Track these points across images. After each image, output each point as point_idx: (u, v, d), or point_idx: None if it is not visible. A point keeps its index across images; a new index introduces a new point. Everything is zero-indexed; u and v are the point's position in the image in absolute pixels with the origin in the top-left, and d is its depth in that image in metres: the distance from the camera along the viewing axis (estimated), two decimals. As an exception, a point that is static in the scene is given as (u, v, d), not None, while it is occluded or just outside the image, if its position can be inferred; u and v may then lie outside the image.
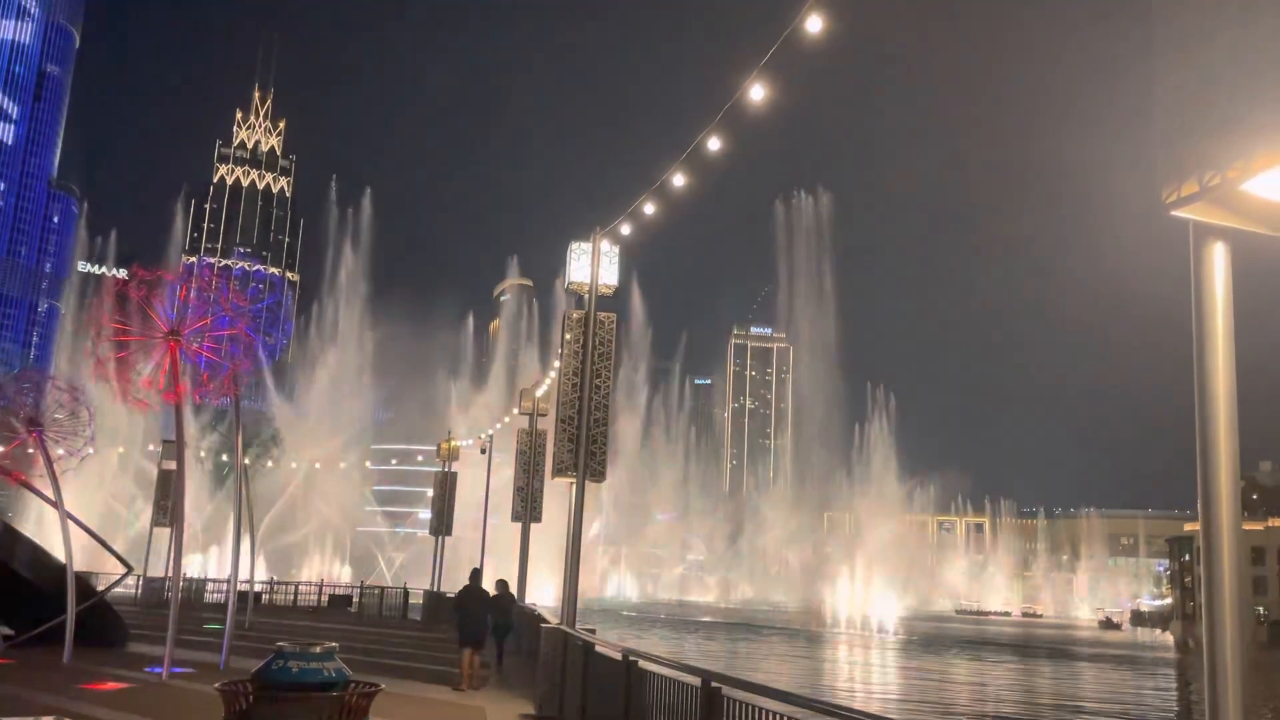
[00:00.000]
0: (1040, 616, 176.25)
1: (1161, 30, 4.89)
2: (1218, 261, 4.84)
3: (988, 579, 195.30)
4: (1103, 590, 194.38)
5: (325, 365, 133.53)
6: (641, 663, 11.38)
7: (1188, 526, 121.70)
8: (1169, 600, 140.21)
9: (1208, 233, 4.85)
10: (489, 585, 25.41)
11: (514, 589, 35.70)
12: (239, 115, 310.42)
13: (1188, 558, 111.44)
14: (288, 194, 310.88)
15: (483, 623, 22.28)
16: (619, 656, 12.11)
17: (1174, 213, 4.77)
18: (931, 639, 76.48)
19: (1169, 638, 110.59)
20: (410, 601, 50.04)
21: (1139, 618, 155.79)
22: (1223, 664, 4.66)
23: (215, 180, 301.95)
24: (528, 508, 35.31)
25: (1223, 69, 4.56)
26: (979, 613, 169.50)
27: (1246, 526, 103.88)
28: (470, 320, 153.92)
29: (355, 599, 55.66)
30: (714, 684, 8.87)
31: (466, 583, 23.16)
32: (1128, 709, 38.06)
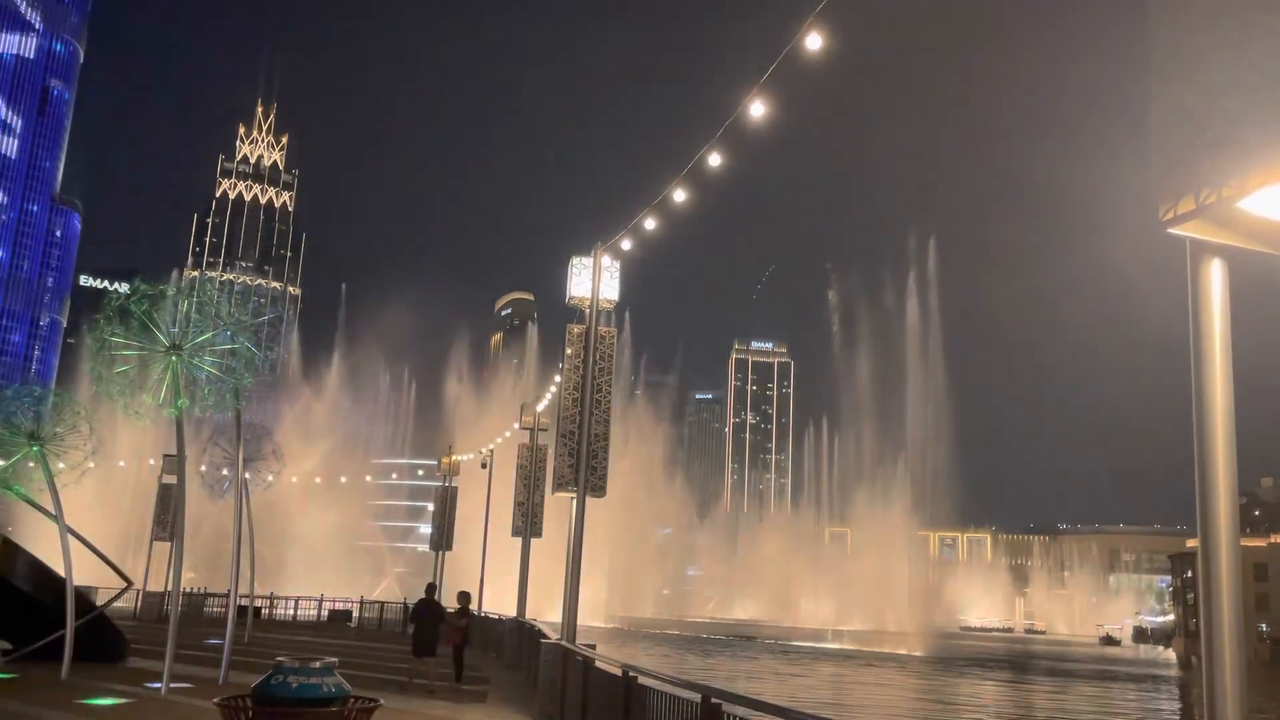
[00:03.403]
0: (1043, 633, 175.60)
1: (1158, 49, 4.93)
2: (1215, 278, 4.86)
3: (990, 596, 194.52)
4: (1105, 607, 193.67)
5: (326, 379, 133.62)
6: (641, 678, 11.35)
7: (1189, 543, 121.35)
8: (1171, 617, 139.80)
9: (1205, 250, 4.87)
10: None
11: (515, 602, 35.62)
12: (242, 130, 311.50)
13: (1189, 574, 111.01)
14: (290, 208, 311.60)
15: (436, 634, 23.79)
16: (618, 672, 12.08)
17: (1171, 230, 4.80)
18: (936, 656, 76.14)
19: (1171, 655, 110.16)
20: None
21: (1141, 634, 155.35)
22: (1222, 680, 4.66)
23: (218, 195, 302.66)
24: (528, 523, 35.24)
25: (1219, 88, 4.59)
26: (982, 629, 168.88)
27: (1249, 543, 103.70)
28: (471, 334, 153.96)
29: (355, 614, 55.50)
30: (714, 699, 8.85)
31: (422, 595, 24.94)
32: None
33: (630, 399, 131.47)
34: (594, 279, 19.66)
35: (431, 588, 25.38)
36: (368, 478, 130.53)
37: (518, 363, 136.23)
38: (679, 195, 16.44)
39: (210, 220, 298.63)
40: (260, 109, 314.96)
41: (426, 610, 24.03)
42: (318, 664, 9.86)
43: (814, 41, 11.68)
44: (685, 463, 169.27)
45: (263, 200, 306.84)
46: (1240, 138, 4.47)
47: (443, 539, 50.34)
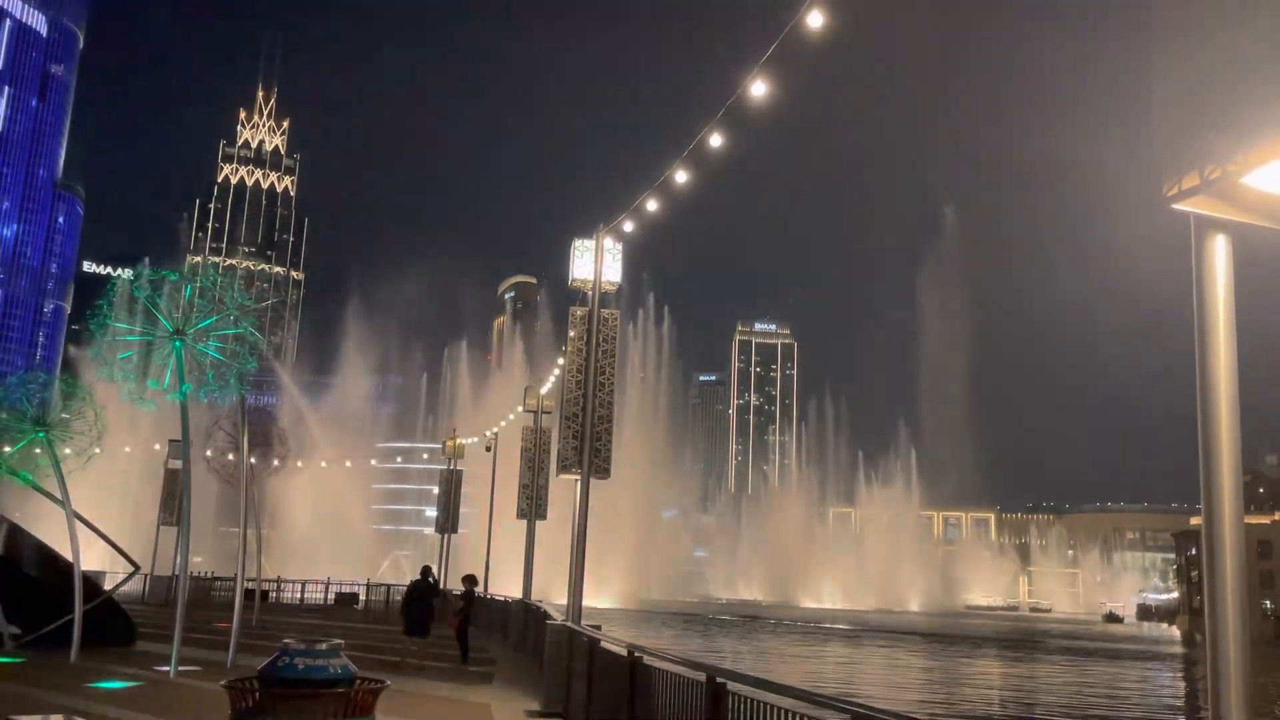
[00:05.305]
0: (1048, 611, 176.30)
1: (1162, 25, 4.89)
2: (1219, 254, 4.84)
3: (994, 575, 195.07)
4: (1110, 584, 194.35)
5: (330, 362, 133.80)
6: (646, 659, 11.37)
7: (1193, 520, 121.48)
8: (1175, 594, 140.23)
9: (1209, 226, 4.85)
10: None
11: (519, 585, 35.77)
12: (243, 115, 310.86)
13: (1193, 551, 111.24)
14: (292, 193, 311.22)
15: (428, 615, 24.61)
16: (624, 652, 12.11)
17: (1175, 206, 4.78)
18: (942, 634, 76.38)
19: (1175, 632, 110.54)
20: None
21: (1145, 612, 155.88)
22: (1226, 657, 4.66)
23: (220, 180, 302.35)
24: (533, 505, 35.31)
25: (1223, 63, 4.56)
26: (987, 608, 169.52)
27: (1253, 520, 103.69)
28: (475, 317, 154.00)
29: (362, 597, 55.78)
30: (719, 679, 8.88)
31: (416, 578, 25.83)
32: (1139, 703, 38.00)
33: (636, 381, 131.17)
34: (596, 262, 19.61)
35: (426, 570, 26.12)
36: (373, 461, 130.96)
37: (521, 346, 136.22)
38: (682, 176, 16.36)
39: (213, 205, 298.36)
40: (261, 94, 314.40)
41: (419, 592, 24.94)
42: (324, 646, 9.88)
43: (815, 20, 11.61)
44: (690, 445, 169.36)
45: (264, 185, 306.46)
46: (1245, 113, 4.44)
47: (448, 522, 50.51)
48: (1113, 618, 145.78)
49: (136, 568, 29.72)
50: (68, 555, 24.23)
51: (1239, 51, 4.49)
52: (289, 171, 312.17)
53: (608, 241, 19.73)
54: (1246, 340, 4.90)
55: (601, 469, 19.23)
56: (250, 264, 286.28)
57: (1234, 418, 4.74)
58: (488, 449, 50.80)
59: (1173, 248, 5.07)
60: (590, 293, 19.58)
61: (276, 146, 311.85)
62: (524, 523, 35.89)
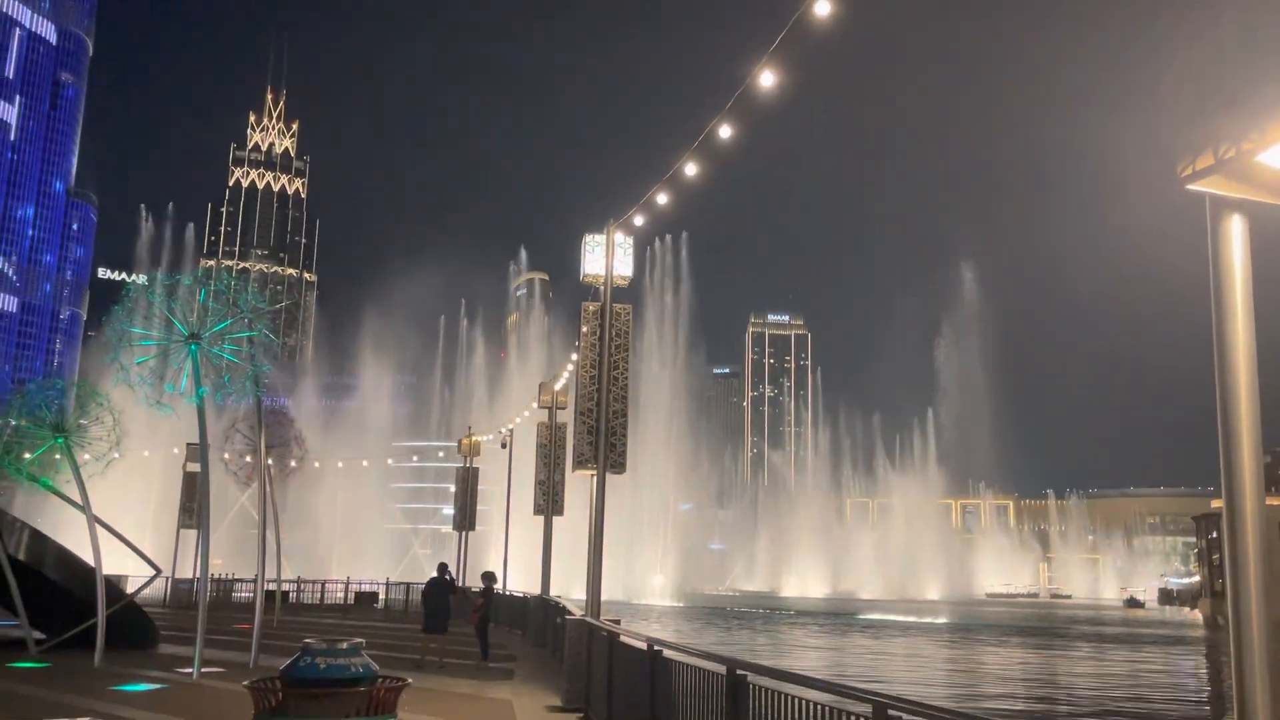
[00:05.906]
0: (1069, 598, 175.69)
1: (1174, 5, 4.85)
2: (1235, 234, 4.80)
3: (1014, 562, 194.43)
4: (1132, 569, 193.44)
5: (344, 363, 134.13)
6: (666, 652, 11.39)
7: (1214, 503, 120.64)
8: (1196, 578, 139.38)
9: (1224, 205, 4.81)
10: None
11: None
12: (252, 118, 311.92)
13: (1214, 535, 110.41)
14: (303, 195, 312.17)
15: (445, 611, 24.66)
16: (643, 646, 12.12)
17: (1190, 186, 4.74)
18: (963, 623, 76.14)
19: (1198, 615, 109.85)
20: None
21: (1166, 596, 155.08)
22: (1249, 638, 4.64)
23: (231, 183, 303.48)
24: (549, 501, 35.33)
25: (1235, 43, 4.52)
26: (1008, 595, 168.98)
27: (1275, 502, 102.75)
28: (487, 315, 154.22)
29: (382, 595, 55.98)
30: (740, 671, 8.88)
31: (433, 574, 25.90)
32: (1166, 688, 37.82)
33: (651, 376, 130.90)
34: (607, 256, 19.57)
35: (443, 567, 26.21)
36: (389, 461, 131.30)
37: (535, 342, 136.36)
38: (692, 169, 16.29)
39: (224, 209, 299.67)
40: (270, 97, 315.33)
41: (436, 588, 25.07)
42: (345, 645, 9.93)
43: (823, 8, 11.55)
44: (706, 438, 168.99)
45: (275, 187, 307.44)
46: (1259, 92, 4.40)
47: (465, 519, 50.62)
48: (1134, 603, 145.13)
49: (157, 571, 29.88)
50: (89, 560, 24.40)
51: (1251, 31, 4.45)
52: (299, 174, 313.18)
53: (619, 236, 19.69)
54: (1265, 320, 4.86)
55: (617, 464, 19.21)
56: (263, 266, 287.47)
57: (1254, 399, 4.71)
58: (503, 446, 50.85)
59: (1193, 228, 5.02)
60: (602, 287, 19.56)
61: (287, 149, 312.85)
62: (541, 519, 35.93)
